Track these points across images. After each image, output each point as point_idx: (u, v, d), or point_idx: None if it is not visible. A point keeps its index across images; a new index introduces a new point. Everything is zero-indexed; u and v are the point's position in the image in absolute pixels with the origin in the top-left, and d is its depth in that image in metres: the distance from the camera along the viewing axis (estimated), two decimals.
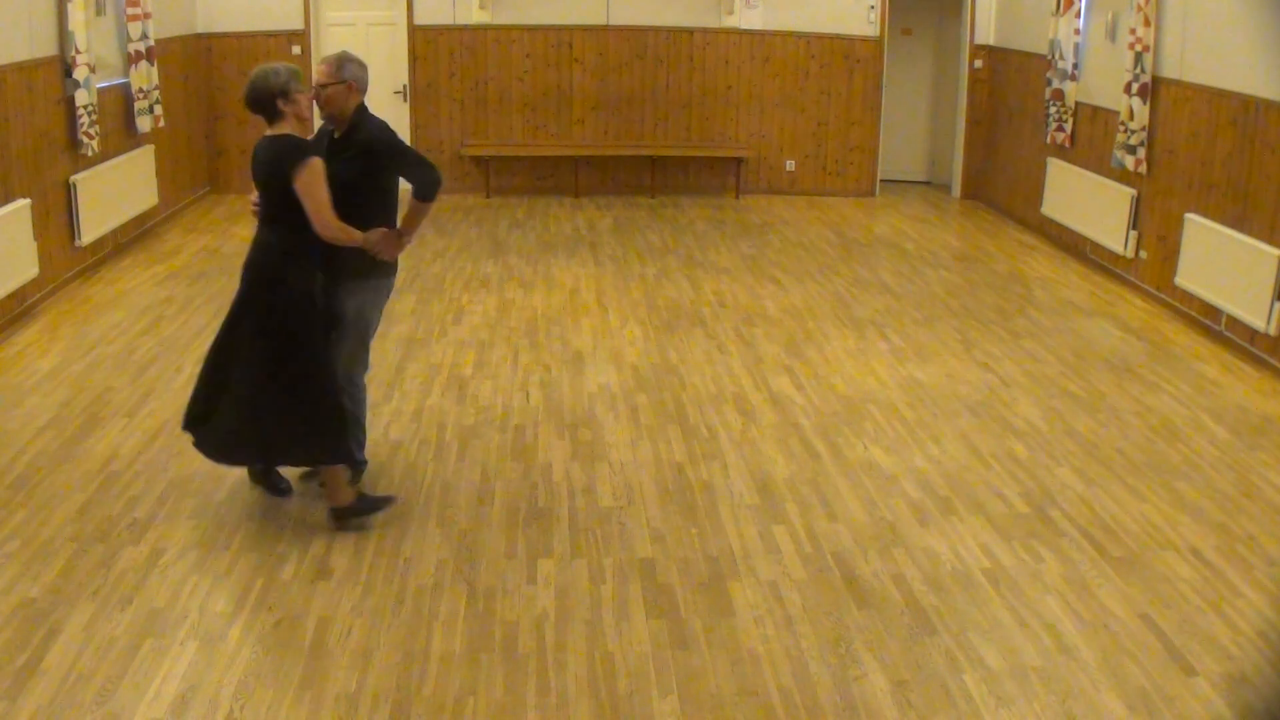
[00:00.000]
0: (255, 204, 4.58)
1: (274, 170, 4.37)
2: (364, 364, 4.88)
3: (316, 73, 4.60)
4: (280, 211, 4.41)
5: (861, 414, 5.97)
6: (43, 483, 4.96)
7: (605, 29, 11.31)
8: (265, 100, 4.39)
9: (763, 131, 11.66)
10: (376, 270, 4.69)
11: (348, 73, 4.56)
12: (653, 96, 11.43)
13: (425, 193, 4.61)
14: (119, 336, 6.90)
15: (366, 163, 4.56)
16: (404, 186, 4.67)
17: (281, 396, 4.45)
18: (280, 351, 4.44)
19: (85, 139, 7.95)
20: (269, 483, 4.90)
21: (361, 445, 4.94)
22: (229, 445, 4.59)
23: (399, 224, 4.70)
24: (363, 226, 4.50)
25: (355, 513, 4.63)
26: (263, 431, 4.49)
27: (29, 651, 3.75)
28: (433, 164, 4.66)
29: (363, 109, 4.64)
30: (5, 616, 3.94)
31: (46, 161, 7.56)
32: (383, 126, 4.66)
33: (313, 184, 4.32)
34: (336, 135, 4.63)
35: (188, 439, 5.42)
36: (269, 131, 4.44)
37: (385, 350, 6.77)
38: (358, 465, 4.89)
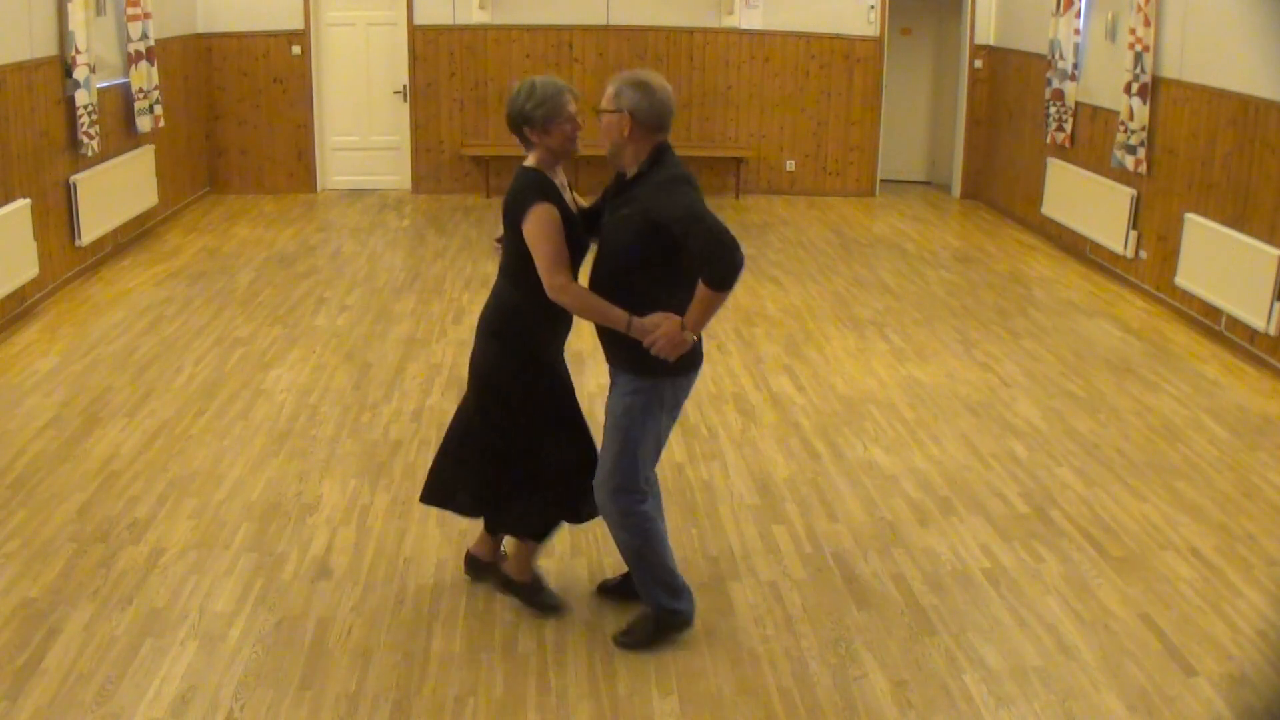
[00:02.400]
0: (498, 242, 3.87)
1: (509, 209, 3.69)
2: (619, 477, 3.74)
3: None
4: (511, 259, 3.77)
5: (861, 414, 5.96)
6: (43, 483, 4.96)
7: (605, 29, 11.31)
8: (513, 124, 3.73)
9: (763, 131, 11.65)
10: (655, 366, 3.61)
11: (625, 99, 3.58)
12: None
13: (717, 280, 3.48)
14: (119, 336, 6.90)
15: (642, 228, 3.53)
16: None
17: (473, 456, 4.01)
18: (479, 407, 3.95)
19: (85, 139, 7.95)
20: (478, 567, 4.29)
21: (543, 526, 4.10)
22: (434, 487, 4.17)
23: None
24: (639, 308, 3.57)
25: (519, 594, 4.13)
26: (455, 480, 4.09)
27: (29, 651, 3.75)
28: (731, 241, 3.46)
29: (660, 152, 3.61)
30: (5, 616, 3.94)
31: (46, 161, 7.56)
32: (672, 184, 3.56)
33: (539, 234, 3.58)
34: (628, 178, 3.69)
35: (188, 439, 5.45)
36: (524, 161, 3.78)
37: (385, 350, 6.78)
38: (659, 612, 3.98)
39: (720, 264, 3.45)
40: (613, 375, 3.81)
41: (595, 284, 3.68)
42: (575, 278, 3.69)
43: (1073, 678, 3.76)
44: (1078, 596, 4.26)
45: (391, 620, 4.02)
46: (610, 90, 3.61)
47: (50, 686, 3.58)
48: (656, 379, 3.65)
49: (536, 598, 4.11)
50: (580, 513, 4.03)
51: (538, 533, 4.07)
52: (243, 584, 4.21)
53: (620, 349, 3.66)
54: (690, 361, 3.68)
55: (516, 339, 3.81)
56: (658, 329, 3.53)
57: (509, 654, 3.84)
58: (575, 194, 3.95)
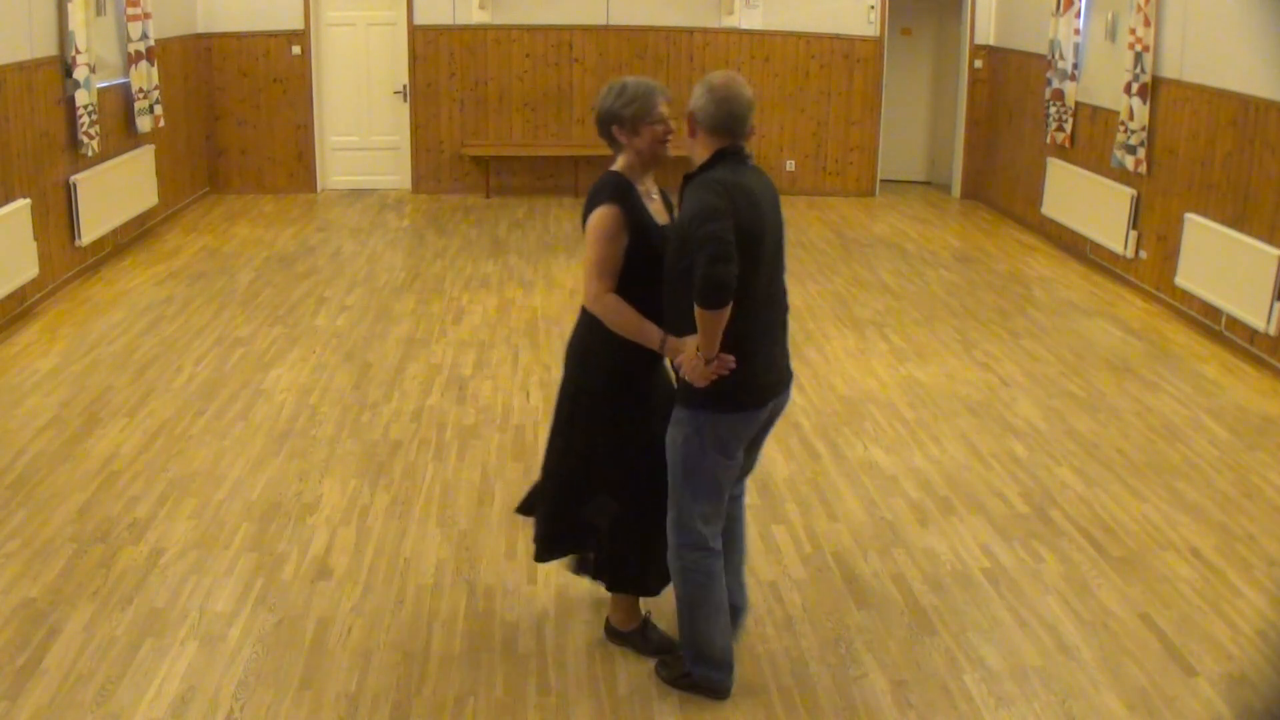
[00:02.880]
0: None
1: (584, 214, 3.48)
2: (699, 514, 3.46)
3: None
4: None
5: (861, 414, 5.96)
6: (43, 483, 4.96)
7: (605, 29, 11.31)
8: (602, 124, 3.55)
9: (763, 131, 11.64)
10: (692, 396, 3.34)
11: (692, 101, 3.39)
12: None
13: (695, 291, 3.15)
14: (119, 336, 6.90)
15: (674, 236, 3.35)
16: None
17: (551, 488, 3.76)
18: (558, 435, 3.71)
19: (85, 139, 7.95)
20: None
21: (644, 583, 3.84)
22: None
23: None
24: (681, 328, 3.34)
25: (626, 642, 3.87)
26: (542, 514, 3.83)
27: (29, 651, 3.75)
28: (719, 255, 3.11)
29: (717, 157, 3.34)
30: (5, 616, 3.94)
31: (46, 161, 7.56)
32: (702, 185, 3.27)
33: (592, 235, 3.38)
34: None
35: (188, 439, 5.45)
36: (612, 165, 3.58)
37: (385, 350, 6.78)
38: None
39: (699, 274, 3.12)
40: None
41: (664, 300, 3.43)
42: (648, 292, 3.43)
43: (1073, 678, 3.76)
44: (1078, 596, 4.26)
45: (391, 620, 4.02)
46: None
47: (50, 686, 3.58)
48: (694, 410, 3.36)
49: (647, 646, 3.82)
50: (646, 582, 3.75)
51: (610, 585, 3.79)
52: (243, 584, 4.21)
53: (672, 372, 3.46)
54: (737, 399, 3.34)
55: (591, 356, 3.56)
56: (684, 350, 3.29)
57: (509, 654, 3.84)
58: (670, 206, 3.67)
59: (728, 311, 3.18)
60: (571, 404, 3.63)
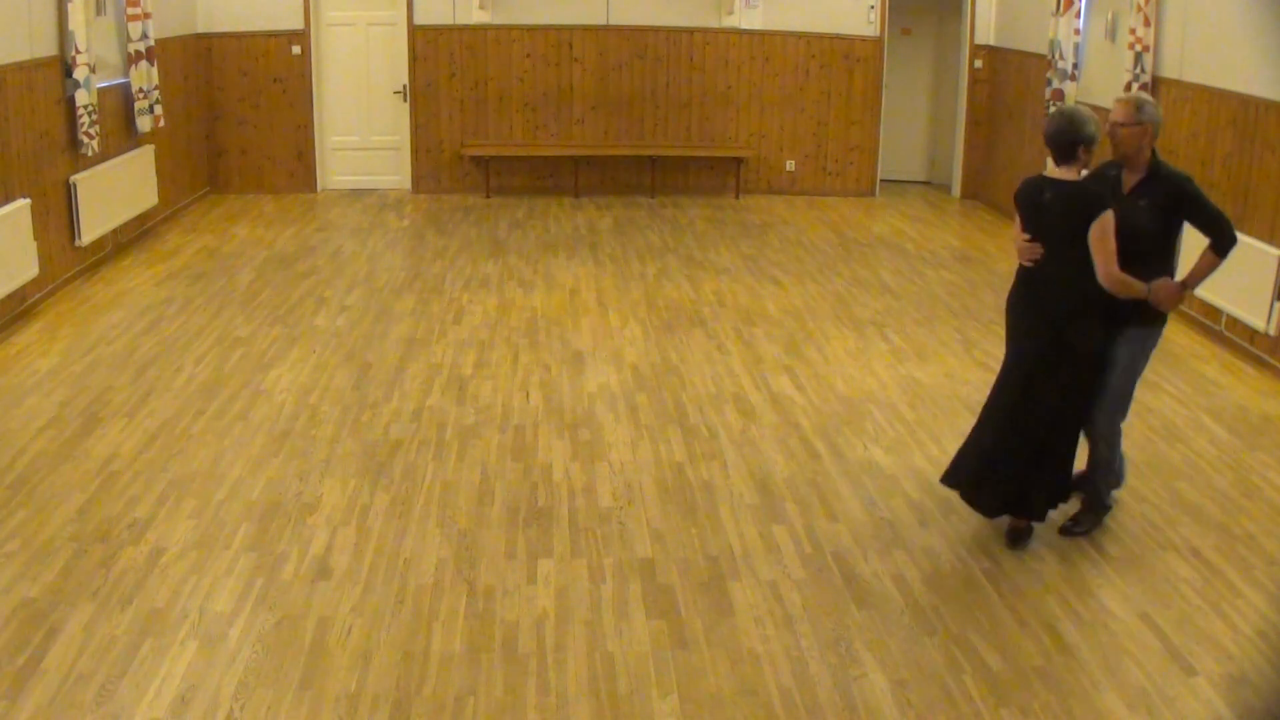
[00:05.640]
0: (1026, 242, 4.51)
1: (1075, 218, 4.39)
2: (1126, 411, 4.74)
3: (1113, 111, 4.50)
4: (1071, 257, 4.41)
5: (861, 414, 5.96)
6: (43, 483, 4.97)
7: (605, 29, 11.31)
8: (1068, 143, 4.41)
9: (763, 131, 11.65)
10: (1154, 319, 4.63)
11: (1146, 114, 4.46)
12: (653, 96, 11.43)
13: (1224, 249, 4.53)
14: (119, 336, 6.91)
15: (1168, 212, 4.52)
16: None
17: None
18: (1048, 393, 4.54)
19: (85, 139, 7.95)
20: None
21: (1108, 490, 4.84)
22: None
23: (1181, 274, 4.67)
24: (1146, 275, 4.45)
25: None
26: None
27: (29, 651, 3.75)
28: (1228, 220, 4.55)
29: (1155, 154, 4.54)
30: (5, 616, 3.95)
31: (46, 161, 7.56)
32: (1187, 176, 4.60)
33: (1106, 236, 4.34)
34: (1124, 179, 4.56)
35: (188, 439, 5.45)
36: (1055, 173, 4.46)
37: (385, 350, 6.78)
38: (1103, 508, 4.86)
39: (1227, 235, 4.57)
40: (1120, 331, 4.60)
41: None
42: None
43: (1073, 678, 3.76)
44: (1078, 596, 4.26)
45: (391, 620, 4.02)
46: (1128, 109, 4.48)
47: (50, 686, 3.58)
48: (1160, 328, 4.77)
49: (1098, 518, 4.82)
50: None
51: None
52: (243, 584, 4.21)
53: (1130, 309, 4.53)
54: (1161, 316, 4.71)
55: (1084, 326, 4.54)
56: (1165, 290, 4.54)
57: (509, 654, 3.84)
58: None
59: None
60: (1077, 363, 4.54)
